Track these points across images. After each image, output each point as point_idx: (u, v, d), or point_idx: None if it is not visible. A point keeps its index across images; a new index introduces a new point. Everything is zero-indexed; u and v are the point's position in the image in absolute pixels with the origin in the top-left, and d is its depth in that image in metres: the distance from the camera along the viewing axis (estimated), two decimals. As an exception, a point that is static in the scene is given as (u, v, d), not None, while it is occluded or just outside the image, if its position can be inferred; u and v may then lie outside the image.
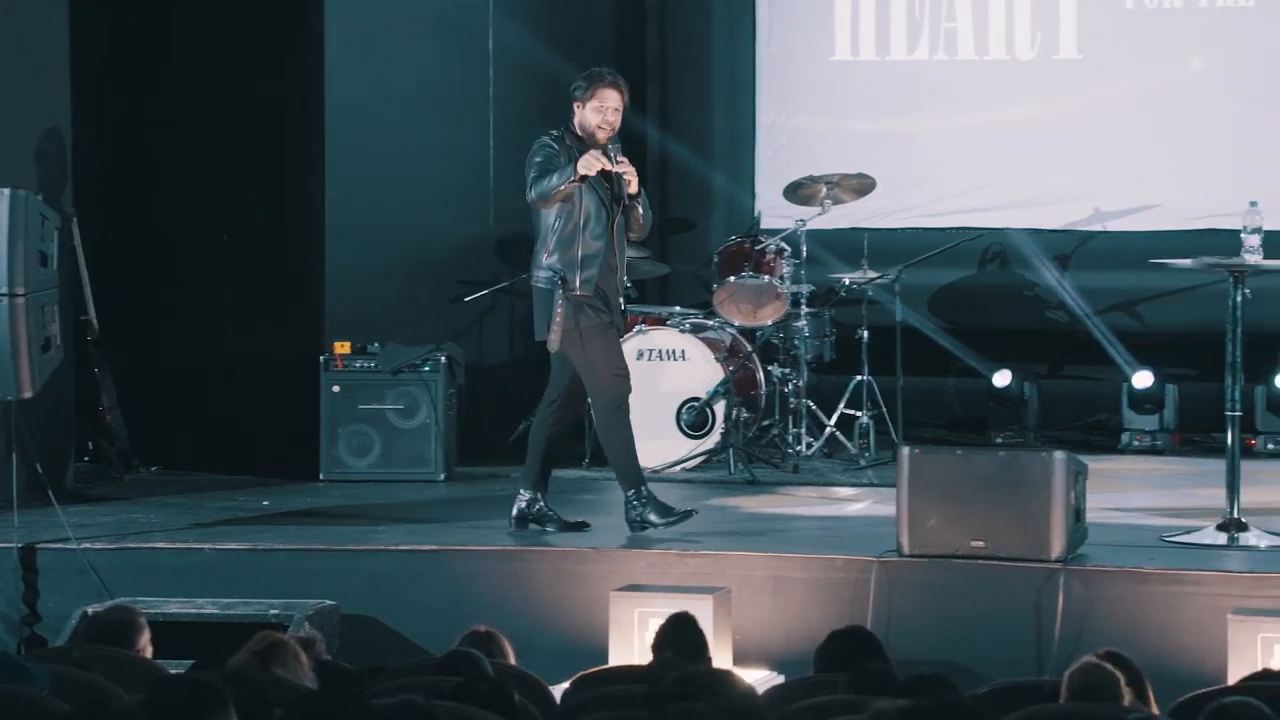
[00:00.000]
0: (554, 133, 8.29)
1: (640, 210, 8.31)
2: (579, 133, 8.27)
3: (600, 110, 8.21)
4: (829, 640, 6.06)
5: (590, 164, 8.02)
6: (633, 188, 8.21)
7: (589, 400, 8.66)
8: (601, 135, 8.21)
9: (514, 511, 8.48)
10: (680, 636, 6.06)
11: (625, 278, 8.57)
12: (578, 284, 8.20)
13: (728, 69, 12.37)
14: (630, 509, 8.32)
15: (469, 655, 5.57)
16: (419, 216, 11.00)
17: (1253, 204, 8.06)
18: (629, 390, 8.38)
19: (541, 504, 8.46)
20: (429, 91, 11.08)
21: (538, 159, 8.22)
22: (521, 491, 8.50)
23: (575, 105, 8.30)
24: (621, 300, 8.44)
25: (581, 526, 8.45)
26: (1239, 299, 8.01)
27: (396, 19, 10.92)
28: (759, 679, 7.04)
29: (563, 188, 8.09)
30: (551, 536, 8.37)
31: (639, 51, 12.52)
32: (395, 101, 10.89)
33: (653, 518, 8.28)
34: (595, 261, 8.21)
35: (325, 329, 10.39)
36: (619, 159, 8.16)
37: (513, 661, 6.08)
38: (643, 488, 8.34)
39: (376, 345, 10.22)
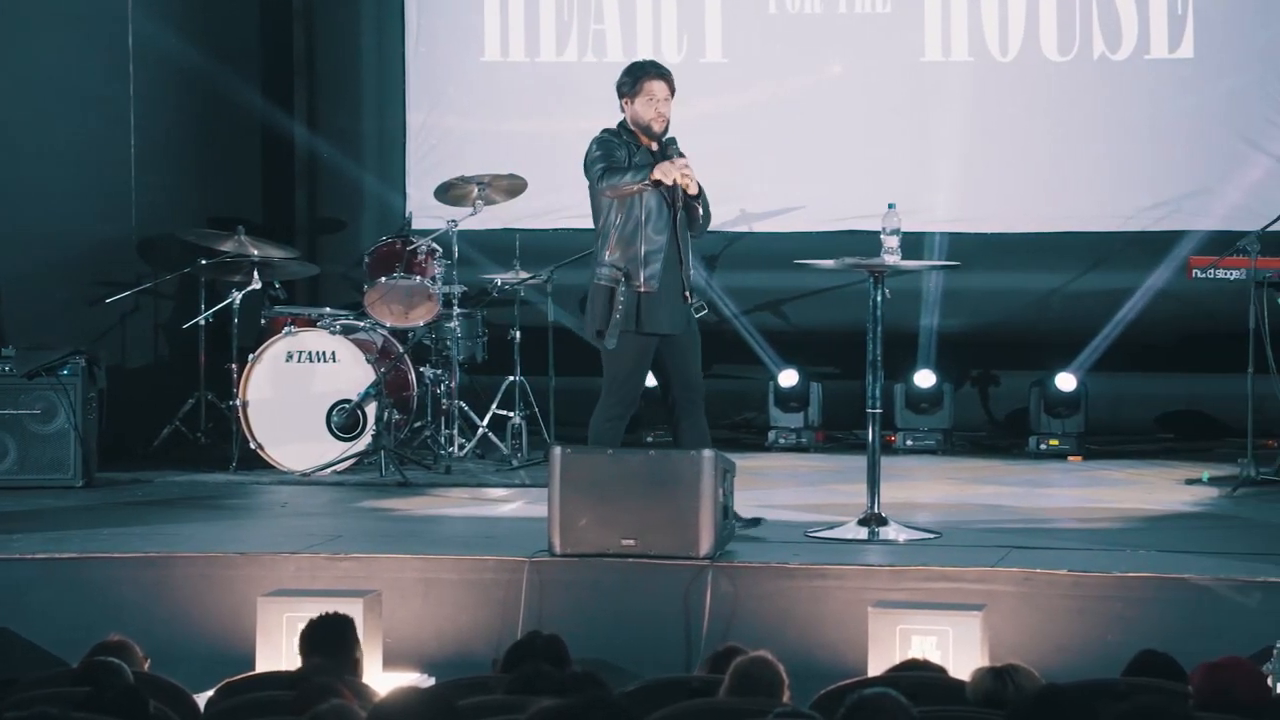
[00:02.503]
0: (611, 128, 8.27)
1: (700, 209, 8.27)
2: (633, 129, 8.24)
3: (651, 102, 8.21)
4: (518, 643, 6.03)
5: (668, 171, 8.05)
6: (692, 189, 8.16)
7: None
8: (657, 126, 8.22)
9: None
10: (327, 637, 5.97)
11: (692, 273, 8.36)
12: (643, 280, 8.15)
13: (376, 69, 12.27)
14: None
15: (107, 664, 5.42)
16: (56, 216, 10.69)
17: (891, 206, 8.26)
18: (635, 409, 8.34)
19: None
20: (65, 88, 10.77)
21: (598, 152, 8.19)
22: None
23: (623, 102, 8.28)
24: (687, 294, 8.26)
25: (756, 522, 8.29)
26: (879, 299, 8.20)
27: (28, 12, 10.58)
28: (410, 681, 6.98)
29: (635, 186, 8.09)
30: (199, 541, 8.19)
31: (285, 51, 12.35)
32: (29, 97, 10.56)
33: None
34: (658, 257, 8.16)
35: (-43, 332, 10.02)
36: (676, 158, 8.15)
37: (146, 669, 5.92)
38: None
39: (10, 349, 9.88)
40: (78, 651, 6.91)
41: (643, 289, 8.18)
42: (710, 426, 11.55)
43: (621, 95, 8.32)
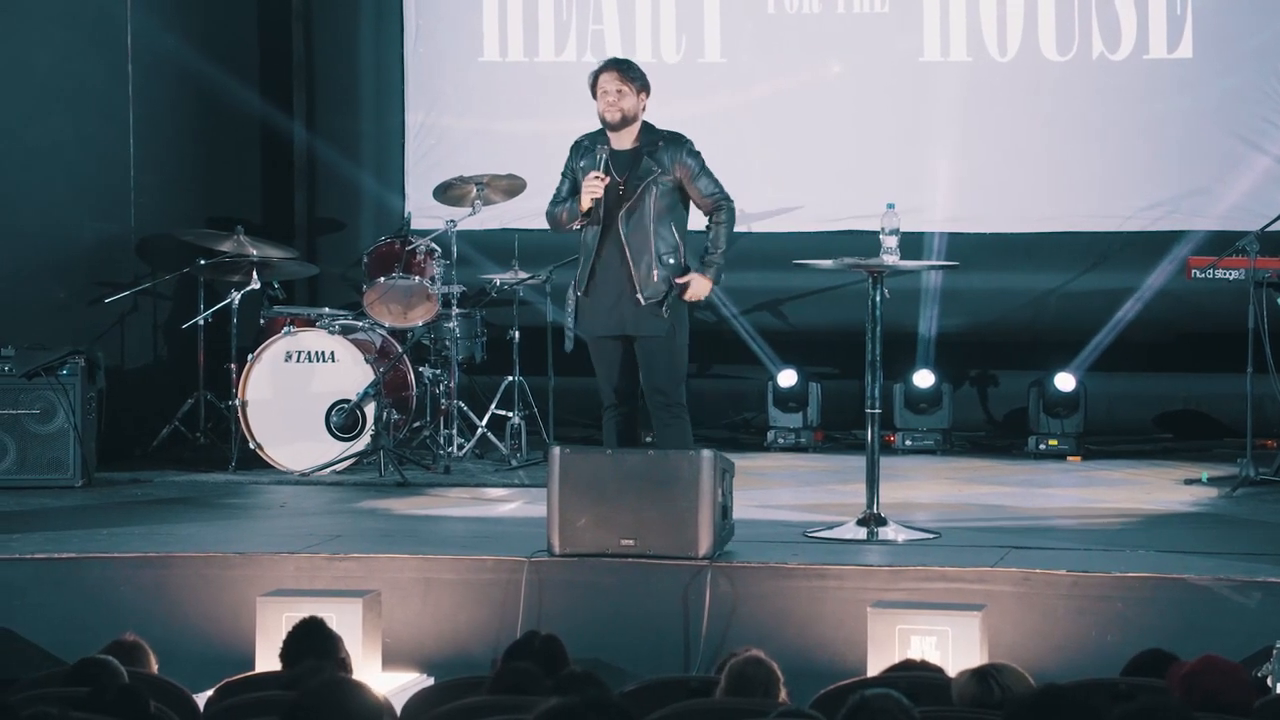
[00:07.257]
0: (588, 132, 8.32)
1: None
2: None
3: (602, 96, 8.23)
4: (516, 643, 6.03)
5: (592, 188, 8.11)
6: (583, 204, 8.15)
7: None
8: (609, 116, 8.23)
9: None
10: (309, 641, 5.96)
11: (653, 274, 8.20)
12: (576, 281, 8.29)
13: (375, 69, 12.26)
14: None
15: (101, 663, 5.41)
16: (53, 216, 10.69)
17: (890, 206, 8.26)
18: (610, 402, 8.38)
19: None
20: (61, 87, 10.76)
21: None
22: None
23: None
24: (640, 298, 8.17)
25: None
26: (878, 298, 8.20)
27: (26, 11, 10.57)
28: (408, 682, 6.99)
29: (571, 224, 8.25)
30: (198, 541, 8.19)
31: (284, 51, 12.35)
32: (26, 97, 10.55)
33: None
34: (588, 260, 8.24)
35: (-44, 332, 10.01)
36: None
37: (154, 671, 5.92)
38: None
39: (9, 349, 9.87)
40: (77, 652, 6.90)
41: (577, 291, 8.30)
42: (709, 426, 11.68)
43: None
